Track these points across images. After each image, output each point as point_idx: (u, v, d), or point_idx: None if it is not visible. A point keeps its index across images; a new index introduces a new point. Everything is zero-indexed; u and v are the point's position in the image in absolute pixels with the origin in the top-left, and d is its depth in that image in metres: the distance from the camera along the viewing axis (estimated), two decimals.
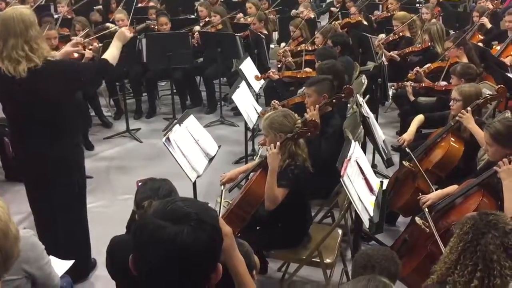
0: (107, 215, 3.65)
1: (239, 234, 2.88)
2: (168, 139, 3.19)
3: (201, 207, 1.25)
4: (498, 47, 5.96)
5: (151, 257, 1.19)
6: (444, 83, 4.74)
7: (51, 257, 2.28)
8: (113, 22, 6.31)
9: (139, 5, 8.57)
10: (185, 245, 1.16)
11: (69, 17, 6.73)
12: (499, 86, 3.83)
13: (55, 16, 6.63)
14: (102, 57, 3.13)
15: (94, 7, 7.84)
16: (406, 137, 3.72)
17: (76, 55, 5.12)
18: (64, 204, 3.10)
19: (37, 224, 3.23)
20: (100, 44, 5.22)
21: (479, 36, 6.47)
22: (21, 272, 2.06)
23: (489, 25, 6.49)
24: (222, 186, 3.21)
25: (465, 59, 4.87)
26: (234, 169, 3.34)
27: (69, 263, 2.69)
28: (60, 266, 2.55)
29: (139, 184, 2.30)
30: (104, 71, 3.18)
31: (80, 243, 3.26)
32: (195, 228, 1.18)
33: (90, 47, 5.24)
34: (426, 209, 2.85)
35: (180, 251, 1.16)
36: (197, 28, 6.59)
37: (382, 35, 6.37)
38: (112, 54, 3.16)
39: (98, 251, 3.29)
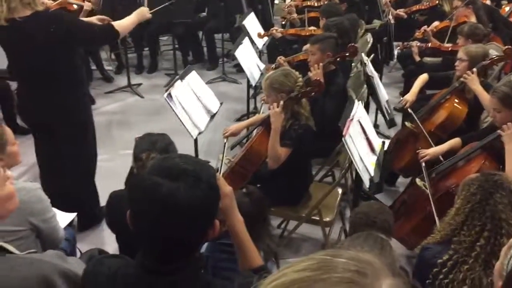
0: (108, 170, 3.66)
1: None
2: (169, 94, 3.16)
3: (198, 164, 1.25)
4: (508, 8, 5.83)
5: (148, 213, 1.19)
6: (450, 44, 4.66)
7: (55, 209, 2.31)
8: None
9: None
10: (181, 202, 1.16)
11: None
12: (506, 47, 3.76)
13: None
14: (113, 23, 3.12)
15: None
16: (409, 97, 3.68)
17: (75, 7, 5.04)
18: (69, 151, 3.15)
19: (42, 174, 3.28)
20: None
21: None
22: (27, 224, 2.09)
23: None
24: (225, 139, 3.22)
25: (473, 19, 4.76)
26: (238, 124, 3.34)
27: (72, 216, 2.73)
28: (63, 218, 2.59)
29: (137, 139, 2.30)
30: (106, 35, 3.15)
31: (87, 190, 3.35)
32: (192, 184, 1.18)
33: None
34: (424, 167, 2.87)
35: (176, 208, 1.16)
36: None
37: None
38: (123, 24, 3.15)
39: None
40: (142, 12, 3.31)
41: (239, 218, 1.45)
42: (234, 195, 1.45)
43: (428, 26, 4.93)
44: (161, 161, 1.24)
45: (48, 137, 3.13)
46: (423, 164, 2.90)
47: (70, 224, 2.75)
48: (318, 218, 2.94)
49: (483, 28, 4.21)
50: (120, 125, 4.98)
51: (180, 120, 3.15)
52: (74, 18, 3.07)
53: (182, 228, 1.20)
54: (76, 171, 3.24)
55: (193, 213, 1.19)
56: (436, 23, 5.10)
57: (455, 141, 3.02)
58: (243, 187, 2.83)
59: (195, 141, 3.36)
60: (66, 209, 2.67)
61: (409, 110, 3.47)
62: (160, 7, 4.07)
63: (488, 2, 5.94)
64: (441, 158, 2.99)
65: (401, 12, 5.62)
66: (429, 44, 4.77)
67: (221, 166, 3.05)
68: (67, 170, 3.21)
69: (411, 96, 3.69)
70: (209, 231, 1.26)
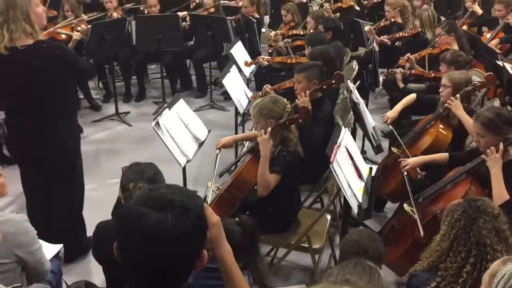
0: (95, 199, 3.64)
1: None
2: (157, 123, 3.17)
3: (186, 194, 1.24)
4: (489, 35, 5.99)
5: (135, 244, 1.18)
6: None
7: (41, 241, 2.28)
8: (102, 3, 6.22)
9: None
10: (169, 233, 1.16)
11: None
12: (488, 73, 3.84)
13: None
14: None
15: None
16: (390, 114, 3.73)
17: (63, 36, 5.08)
18: (58, 181, 3.13)
19: (29, 205, 3.24)
20: (88, 26, 5.16)
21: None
22: (12, 257, 2.06)
23: (480, 12, 6.52)
24: (217, 150, 3.32)
25: (455, 46, 4.88)
26: (230, 136, 3.37)
27: (58, 247, 2.70)
28: (49, 249, 2.56)
29: (124, 169, 2.30)
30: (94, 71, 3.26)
31: (74, 221, 3.31)
32: (179, 215, 1.18)
33: (79, 28, 5.18)
34: (407, 175, 2.92)
35: (163, 239, 1.16)
36: (181, 13, 6.48)
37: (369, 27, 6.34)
38: None
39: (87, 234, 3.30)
40: None
41: (228, 248, 1.44)
42: (226, 222, 1.44)
43: (412, 53, 5.04)
44: (148, 192, 1.23)
45: (36, 167, 3.10)
46: (405, 173, 2.93)
47: (56, 256, 2.71)
48: (307, 245, 2.93)
49: (465, 55, 4.31)
50: (108, 154, 4.96)
51: (168, 149, 3.16)
52: (72, 51, 3.12)
53: (170, 260, 1.19)
54: (63, 201, 3.21)
55: (181, 244, 1.18)
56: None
57: (442, 155, 3.06)
58: (235, 216, 2.83)
59: (183, 169, 3.36)
60: (52, 239, 2.64)
61: (390, 127, 3.51)
62: None
63: (465, 27, 6.09)
64: (421, 173, 3.04)
65: (385, 38, 5.73)
66: (413, 71, 4.86)
67: (209, 193, 3.04)
68: (54, 200, 3.18)
69: (392, 113, 3.75)
70: (197, 261, 1.25)
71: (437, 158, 3.10)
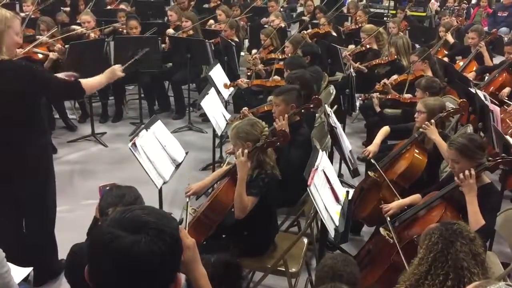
0: (70, 220, 3.56)
1: (204, 242, 2.86)
2: (134, 144, 3.13)
3: (161, 216, 1.22)
4: (462, 63, 6.17)
5: (107, 268, 1.15)
6: (409, 95, 4.86)
7: (9, 264, 2.21)
8: (80, 24, 6.21)
9: (108, 7, 8.47)
10: (143, 256, 1.13)
11: (33, 17, 6.55)
12: (461, 100, 3.94)
13: (22, 15, 6.45)
14: (80, 80, 3.14)
15: (62, 8, 7.70)
16: (371, 148, 3.78)
17: (40, 56, 5.02)
18: (29, 202, 3.05)
19: None
20: (66, 46, 5.12)
21: (444, 51, 6.69)
22: None
23: (452, 41, 6.73)
24: (187, 198, 3.17)
25: (429, 73, 5.00)
26: (200, 182, 3.28)
27: (27, 270, 2.61)
28: (18, 273, 2.47)
29: (103, 189, 2.25)
30: (72, 92, 3.25)
31: (46, 242, 3.22)
32: (154, 237, 1.15)
33: (55, 47, 5.14)
34: (388, 219, 2.91)
35: (137, 262, 1.13)
36: (171, 31, 6.56)
37: (352, 46, 6.48)
38: (91, 83, 3.21)
39: (60, 256, 3.22)
40: (114, 72, 3.38)
41: (202, 271, 1.42)
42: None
43: (388, 79, 5.14)
44: (121, 213, 1.20)
45: (6, 187, 3.02)
46: (388, 218, 2.94)
47: (26, 279, 2.63)
48: (284, 269, 2.90)
49: (439, 82, 4.42)
50: (82, 175, 4.88)
51: (145, 170, 3.12)
52: (42, 71, 3.05)
53: (144, 284, 1.16)
54: (34, 222, 3.13)
55: (155, 267, 1.16)
56: (395, 76, 5.33)
57: (416, 197, 3.09)
58: (213, 237, 2.77)
59: (160, 191, 3.32)
60: (22, 262, 2.55)
61: (372, 161, 3.56)
62: (130, 61, 4.19)
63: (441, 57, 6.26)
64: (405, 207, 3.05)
65: (361, 66, 5.85)
66: (389, 96, 4.96)
67: (186, 216, 3.00)
68: (25, 221, 3.09)
69: (373, 147, 3.79)
70: (172, 285, 1.23)
71: (414, 200, 3.11)
